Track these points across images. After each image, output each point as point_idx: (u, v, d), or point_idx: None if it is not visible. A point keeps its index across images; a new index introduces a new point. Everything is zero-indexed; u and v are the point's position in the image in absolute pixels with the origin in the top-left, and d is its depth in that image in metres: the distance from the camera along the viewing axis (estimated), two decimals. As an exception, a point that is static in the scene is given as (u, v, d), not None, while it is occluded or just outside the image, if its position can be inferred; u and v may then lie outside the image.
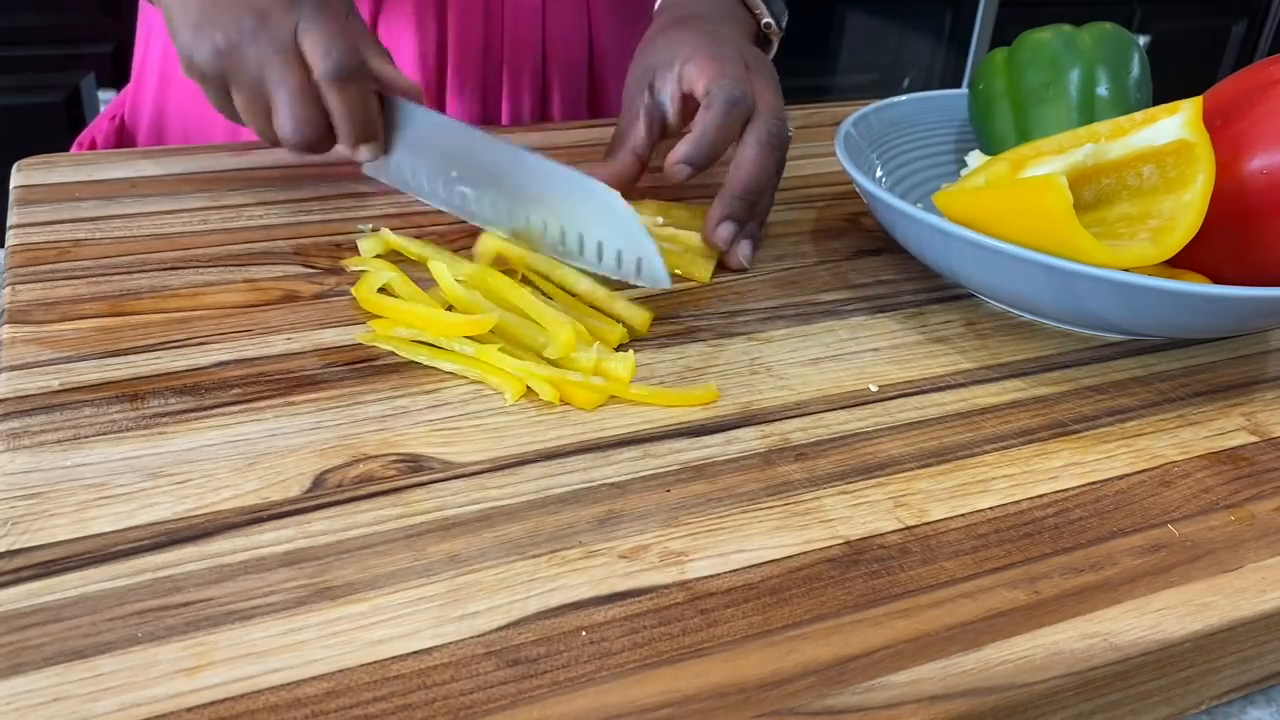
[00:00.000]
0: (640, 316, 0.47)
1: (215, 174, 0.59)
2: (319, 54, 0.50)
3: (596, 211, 0.48)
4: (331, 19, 0.51)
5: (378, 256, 0.51)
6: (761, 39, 0.64)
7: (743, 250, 0.52)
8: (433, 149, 0.53)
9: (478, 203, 0.52)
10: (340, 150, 0.53)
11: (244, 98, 0.51)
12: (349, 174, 0.60)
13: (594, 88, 0.76)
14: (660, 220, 0.53)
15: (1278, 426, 0.44)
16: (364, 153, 0.53)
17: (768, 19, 0.62)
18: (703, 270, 0.51)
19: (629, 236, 0.47)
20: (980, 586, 0.34)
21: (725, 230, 0.52)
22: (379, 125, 0.53)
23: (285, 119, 0.51)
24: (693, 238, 0.52)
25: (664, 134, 0.55)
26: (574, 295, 0.49)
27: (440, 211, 0.56)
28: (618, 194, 0.47)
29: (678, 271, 0.51)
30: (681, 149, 0.51)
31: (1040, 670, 0.31)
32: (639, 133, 0.54)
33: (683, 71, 0.53)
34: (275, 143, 0.53)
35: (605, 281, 0.49)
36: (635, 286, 0.49)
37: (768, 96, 0.53)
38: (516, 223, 0.51)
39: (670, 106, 0.54)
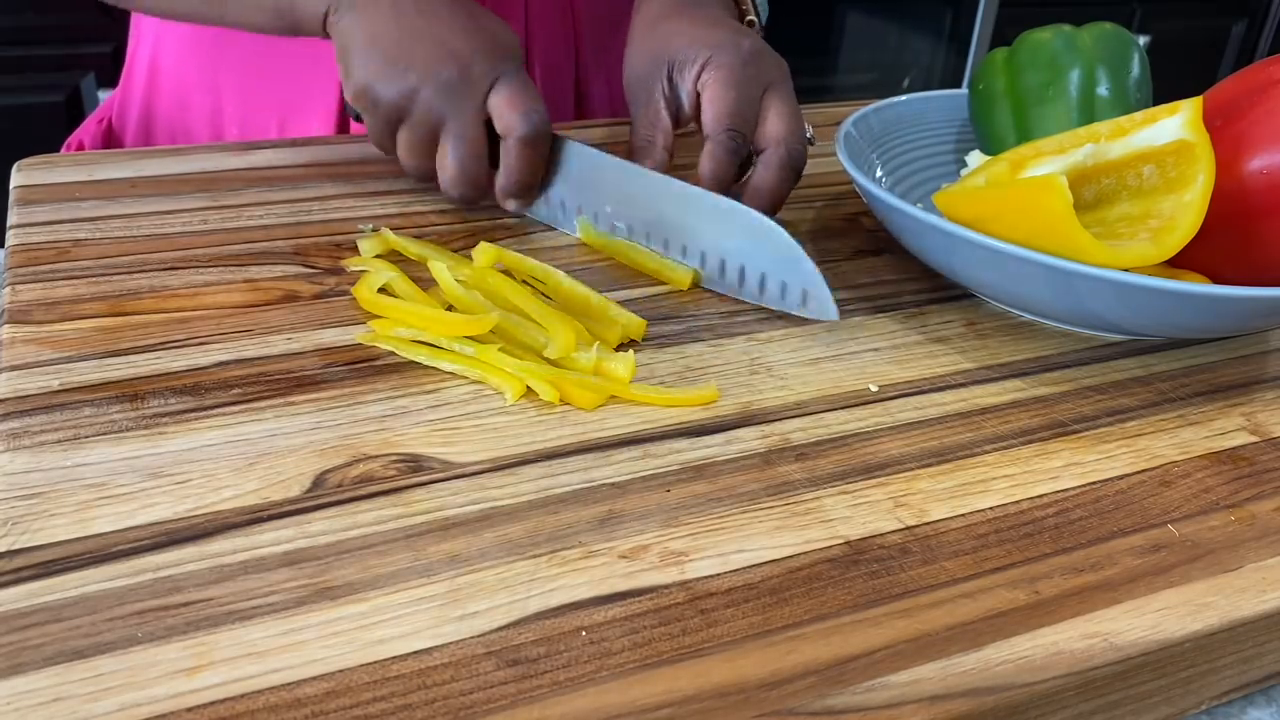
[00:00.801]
0: (635, 323, 0.46)
1: (215, 174, 0.59)
2: (518, 114, 0.51)
3: (757, 242, 0.48)
4: (528, 80, 0.52)
5: (378, 256, 0.51)
6: None
7: None
8: (587, 184, 0.53)
9: (632, 235, 0.52)
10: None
11: (413, 137, 0.52)
12: (349, 174, 0.60)
13: (579, 89, 0.76)
14: None
15: (1278, 426, 0.44)
16: (513, 205, 0.55)
17: (751, 16, 0.63)
18: (684, 277, 0.51)
19: (794, 268, 0.47)
20: (980, 586, 0.34)
21: None
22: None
23: (454, 175, 0.52)
24: None
25: (678, 125, 0.57)
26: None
27: (441, 211, 0.56)
28: (780, 227, 0.47)
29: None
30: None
31: (1040, 670, 0.31)
32: (666, 125, 0.55)
33: (703, 76, 0.54)
34: (423, 179, 0.54)
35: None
36: (629, 292, 0.49)
37: (783, 119, 0.54)
38: (672, 252, 0.51)
39: (687, 103, 0.55)
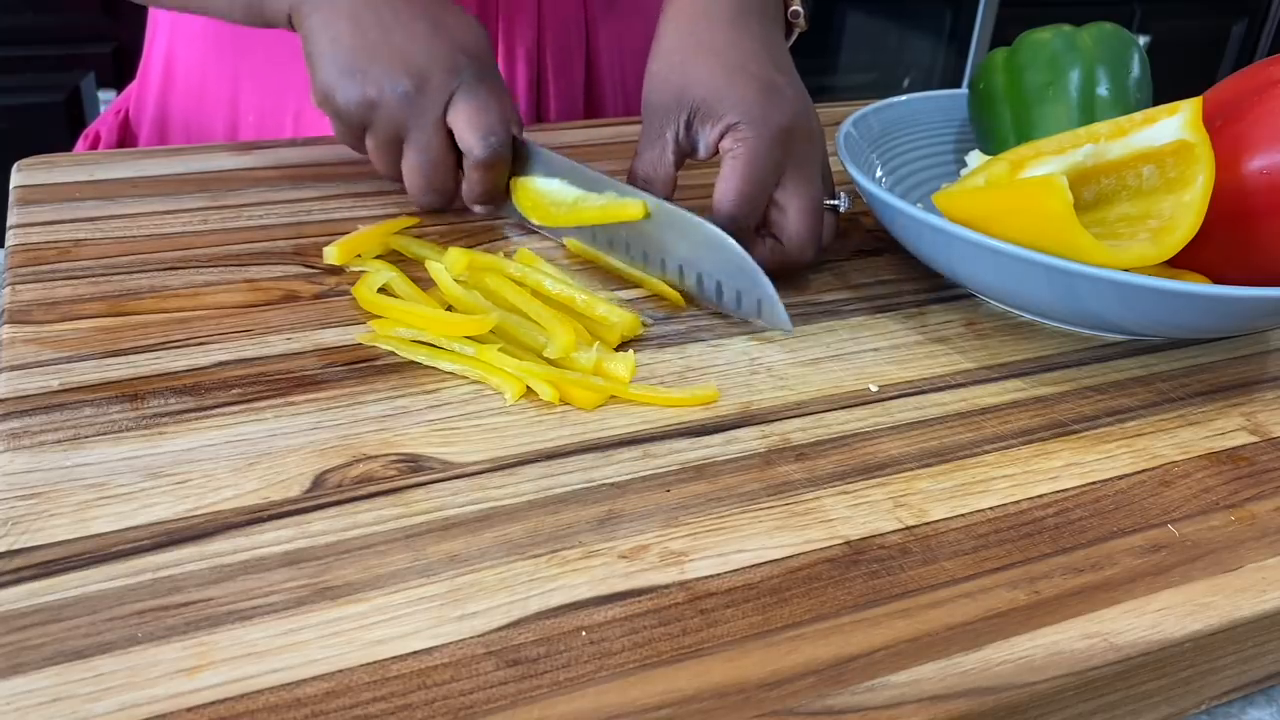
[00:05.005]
0: (628, 321, 0.46)
1: (215, 174, 0.59)
2: (477, 135, 0.51)
3: (716, 254, 0.47)
4: (489, 92, 0.52)
5: (378, 257, 0.51)
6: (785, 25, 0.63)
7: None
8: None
9: (600, 240, 0.52)
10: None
11: (379, 146, 0.53)
12: (349, 174, 0.60)
13: (590, 86, 0.76)
14: None
15: (1278, 426, 0.44)
16: (481, 210, 0.55)
17: (795, 6, 0.61)
18: (670, 291, 0.50)
19: (749, 279, 0.47)
20: (980, 586, 0.34)
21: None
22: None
23: (419, 185, 0.53)
24: None
25: (681, 165, 0.54)
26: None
27: (440, 211, 0.56)
28: (734, 242, 0.47)
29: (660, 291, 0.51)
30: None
31: (1040, 670, 0.31)
32: (668, 171, 0.52)
33: (725, 139, 0.50)
34: (396, 180, 0.54)
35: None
36: (629, 292, 0.49)
37: (802, 220, 0.50)
38: (636, 259, 0.51)
39: (703, 152, 0.52)
